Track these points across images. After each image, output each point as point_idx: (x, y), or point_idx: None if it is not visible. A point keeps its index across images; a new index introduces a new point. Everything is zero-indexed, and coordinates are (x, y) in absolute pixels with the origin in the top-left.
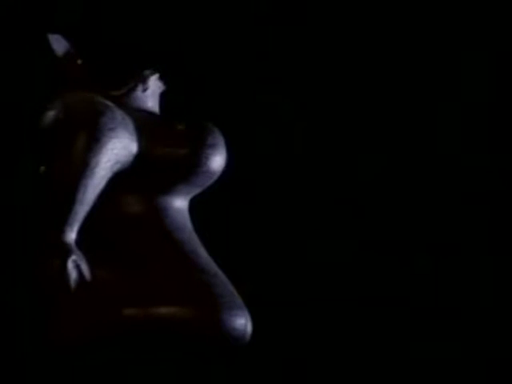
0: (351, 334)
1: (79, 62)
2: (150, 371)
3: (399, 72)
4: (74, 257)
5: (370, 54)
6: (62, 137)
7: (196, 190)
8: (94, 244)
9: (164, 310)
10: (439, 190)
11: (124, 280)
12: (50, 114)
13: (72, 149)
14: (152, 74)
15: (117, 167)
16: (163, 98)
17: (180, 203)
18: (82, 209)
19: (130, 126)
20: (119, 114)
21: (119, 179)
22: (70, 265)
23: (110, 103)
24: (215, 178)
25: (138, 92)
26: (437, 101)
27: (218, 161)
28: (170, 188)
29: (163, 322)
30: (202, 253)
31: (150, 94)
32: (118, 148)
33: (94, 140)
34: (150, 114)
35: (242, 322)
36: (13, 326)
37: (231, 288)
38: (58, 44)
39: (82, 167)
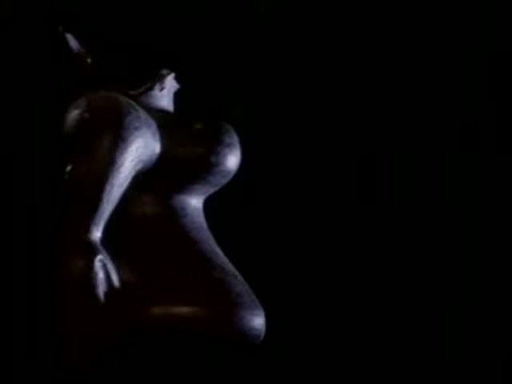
0: (363, 336)
1: (89, 60)
2: (172, 371)
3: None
4: (100, 256)
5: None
6: (89, 136)
7: (212, 189)
8: (112, 243)
9: (186, 310)
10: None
11: (145, 280)
12: (75, 114)
13: (99, 148)
14: (168, 73)
15: (139, 166)
16: (176, 97)
17: (196, 202)
18: (108, 208)
19: (153, 125)
20: (143, 113)
21: (139, 178)
22: (97, 264)
23: (133, 102)
24: (230, 177)
25: (155, 91)
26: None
27: (234, 160)
28: (187, 187)
29: (185, 322)
30: (220, 252)
31: (166, 93)
32: (142, 147)
33: (120, 139)
34: (167, 113)
35: (261, 322)
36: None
37: (248, 287)
38: (74, 43)
39: (108, 166)
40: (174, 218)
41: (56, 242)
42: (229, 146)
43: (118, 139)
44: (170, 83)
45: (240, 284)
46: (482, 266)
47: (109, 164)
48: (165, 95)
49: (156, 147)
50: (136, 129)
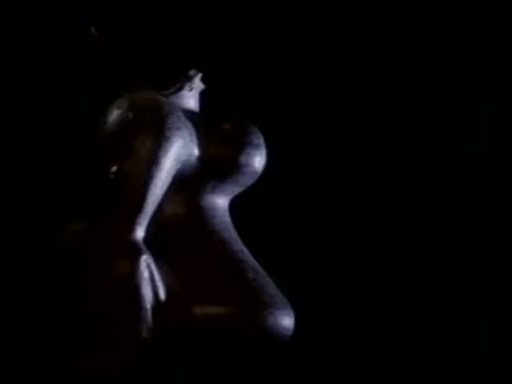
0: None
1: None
2: (211, 371)
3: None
4: (145, 256)
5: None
6: (133, 136)
7: (238, 190)
8: (147, 243)
9: (224, 310)
10: None
11: (182, 280)
12: (118, 114)
13: (143, 147)
14: (196, 73)
15: (178, 166)
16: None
17: (223, 203)
18: (151, 208)
19: (190, 125)
20: (182, 114)
21: (176, 179)
22: (143, 264)
23: (172, 102)
24: (257, 177)
25: (185, 92)
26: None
27: (261, 161)
28: (217, 187)
29: (220, 323)
30: (248, 252)
31: (193, 93)
32: (182, 147)
33: (163, 139)
34: (195, 113)
35: (292, 322)
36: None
37: (276, 287)
38: (106, 44)
39: (152, 166)
40: (205, 218)
41: (97, 242)
42: (256, 146)
43: (161, 139)
44: (197, 83)
45: (271, 284)
46: None
47: (153, 164)
48: (192, 95)
49: (193, 148)
50: (178, 129)
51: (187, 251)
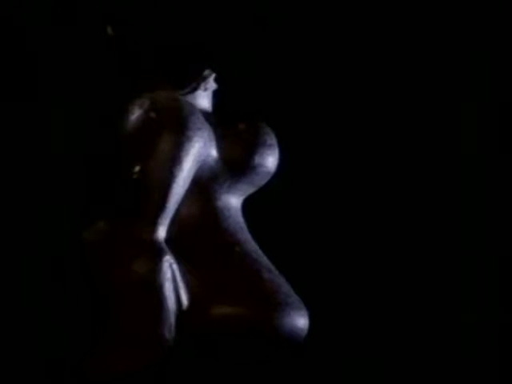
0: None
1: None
2: (229, 371)
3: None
4: (167, 256)
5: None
6: (156, 135)
7: (252, 190)
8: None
9: (238, 311)
10: None
11: (200, 280)
12: (139, 113)
13: (166, 147)
14: (210, 73)
15: (197, 167)
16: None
17: (236, 203)
18: (172, 208)
19: (208, 125)
20: (201, 114)
21: (194, 179)
22: (165, 264)
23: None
24: (269, 177)
25: (200, 92)
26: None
27: (274, 161)
28: (231, 187)
29: (238, 323)
30: (262, 252)
31: (207, 93)
32: (202, 147)
33: (186, 139)
34: (210, 113)
35: (307, 322)
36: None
37: (290, 287)
38: (123, 44)
39: (175, 166)
40: (221, 218)
41: (121, 242)
42: (270, 146)
43: (183, 139)
44: (210, 83)
45: (286, 284)
46: None
47: (175, 164)
48: (206, 95)
49: (211, 148)
50: (199, 129)
51: (204, 251)
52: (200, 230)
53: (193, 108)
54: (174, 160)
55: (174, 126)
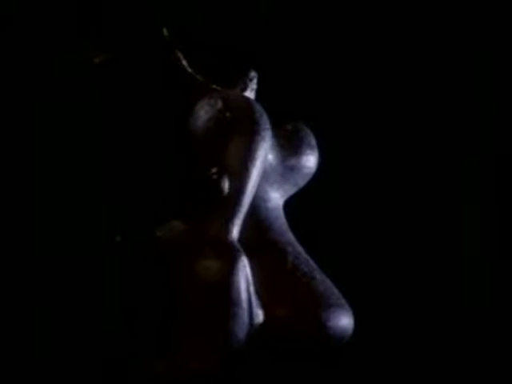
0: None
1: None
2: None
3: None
4: (243, 257)
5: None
6: (232, 135)
7: (294, 191)
8: None
9: (289, 312)
10: None
11: (259, 281)
12: (213, 113)
13: (242, 147)
14: (255, 74)
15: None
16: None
17: (281, 204)
18: (245, 209)
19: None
20: None
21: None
22: (241, 264)
23: None
24: (310, 178)
25: (247, 92)
26: None
27: (316, 161)
28: (279, 188)
29: (284, 324)
30: (306, 252)
31: (252, 94)
32: (269, 148)
33: (261, 138)
34: None
35: (352, 321)
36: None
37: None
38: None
39: (252, 166)
40: (273, 218)
41: (197, 242)
42: (313, 148)
43: (259, 138)
44: (254, 84)
45: (331, 284)
46: None
47: (253, 164)
48: (251, 96)
49: (269, 149)
50: (268, 129)
51: (262, 251)
52: (256, 231)
53: (261, 107)
54: (251, 160)
55: (250, 126)
